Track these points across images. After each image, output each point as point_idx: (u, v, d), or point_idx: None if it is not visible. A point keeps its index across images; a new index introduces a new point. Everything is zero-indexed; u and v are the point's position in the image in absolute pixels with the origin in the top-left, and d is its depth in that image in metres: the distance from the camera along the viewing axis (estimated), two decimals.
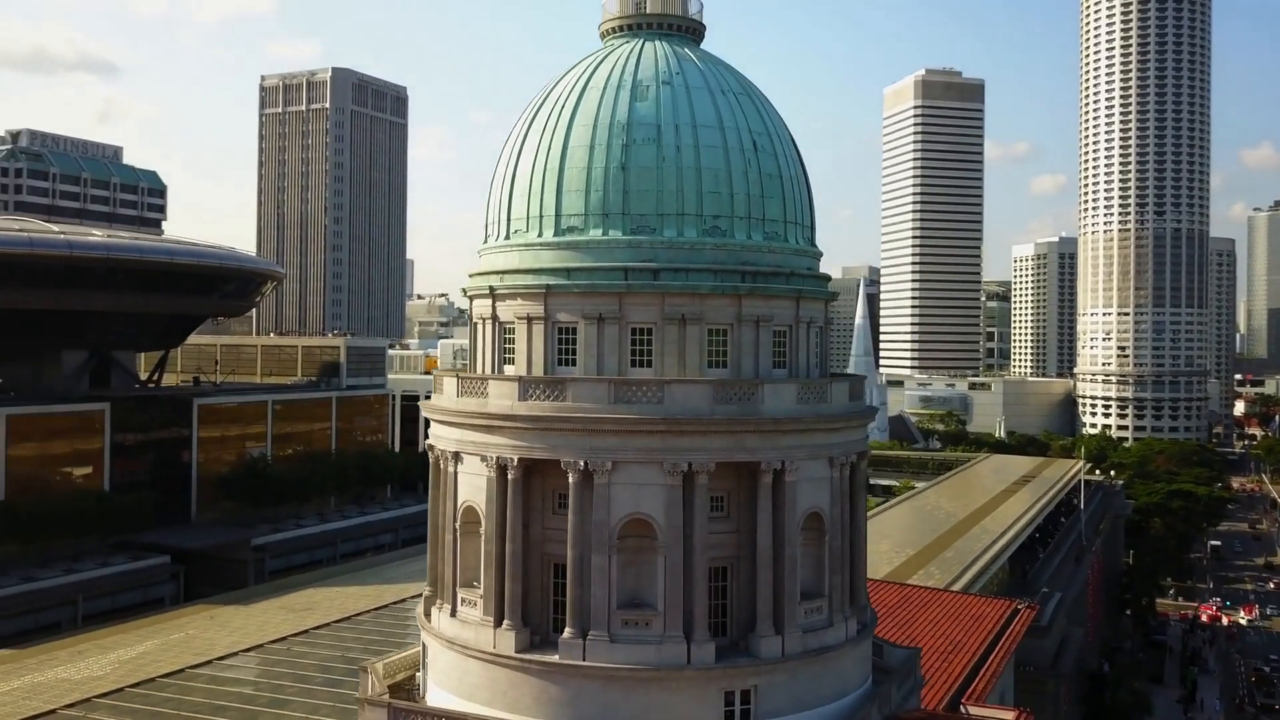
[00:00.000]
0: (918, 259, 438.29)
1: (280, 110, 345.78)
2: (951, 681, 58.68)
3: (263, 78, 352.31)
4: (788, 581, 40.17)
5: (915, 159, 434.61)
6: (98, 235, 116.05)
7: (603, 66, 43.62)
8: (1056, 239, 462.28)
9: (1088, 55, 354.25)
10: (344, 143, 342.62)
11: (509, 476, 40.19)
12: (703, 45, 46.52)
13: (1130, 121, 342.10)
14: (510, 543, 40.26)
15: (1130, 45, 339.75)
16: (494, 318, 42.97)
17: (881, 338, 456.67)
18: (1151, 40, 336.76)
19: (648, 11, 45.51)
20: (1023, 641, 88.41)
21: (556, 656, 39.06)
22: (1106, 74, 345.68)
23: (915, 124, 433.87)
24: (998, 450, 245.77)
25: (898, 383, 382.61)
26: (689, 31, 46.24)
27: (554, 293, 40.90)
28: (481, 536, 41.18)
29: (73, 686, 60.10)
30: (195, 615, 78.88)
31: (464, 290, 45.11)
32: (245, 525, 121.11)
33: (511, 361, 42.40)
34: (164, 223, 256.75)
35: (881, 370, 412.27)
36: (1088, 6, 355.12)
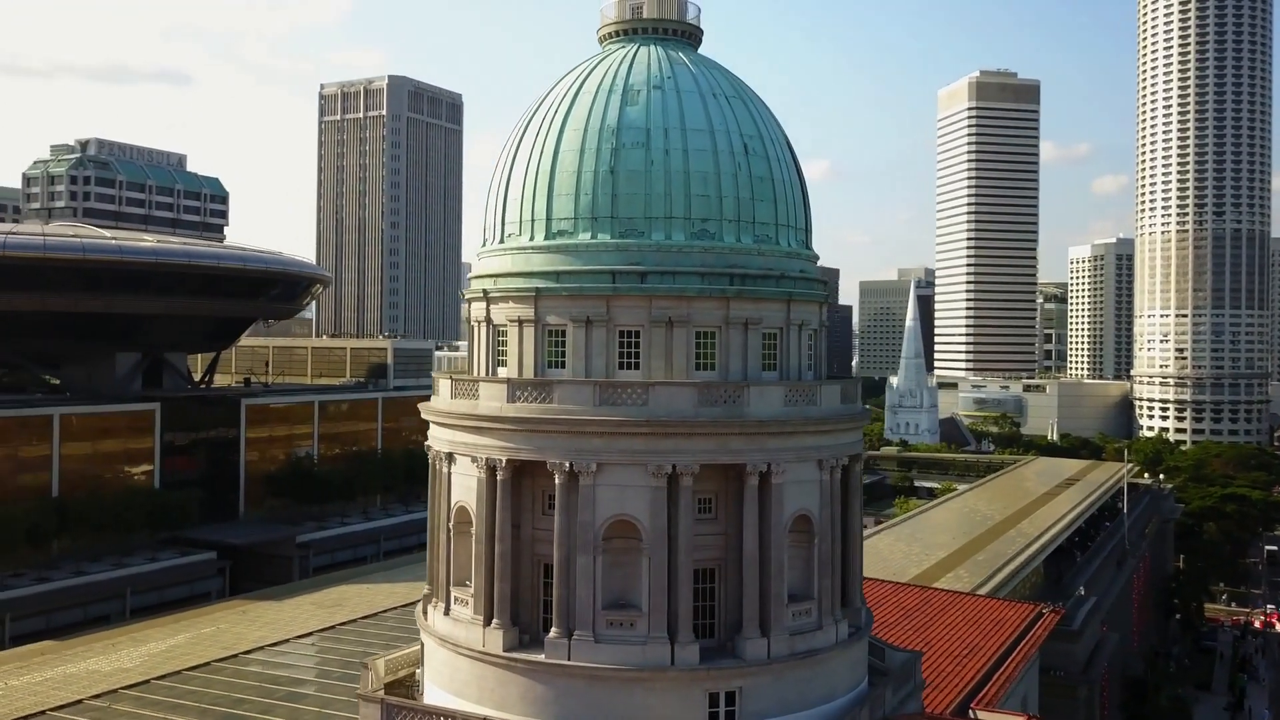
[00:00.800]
0: (972, 261, 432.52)
1: (339, 118, 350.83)
2: (963, 685, 57.69)
3: (322, 86, 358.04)
4: (774, 583, 39.84)
5: (969, 161, 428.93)
6: (148, 241, 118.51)
7: (595, 72, 43.63)
8: (1114, 240, 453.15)
9: (1145, 53, 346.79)
10: (400, 149, 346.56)
11: (498, 477, 40.35)
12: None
13: (1189, 120, 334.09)
14: (499, 543, 40.41)
15: (1189, 43, 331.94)
16: (488, 320, 43.17)
17: (936, 340, 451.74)
18: (1210, 38, 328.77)
19: (644, 16, 45.39)
20: (1052, 646, 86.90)
21: (542, 656, 39.11)
22: (1164, 72, 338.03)
23: (969, 126, 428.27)
24: (1049, 453, 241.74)
25: (951, 385, 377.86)
26: (685, 36, 46.09)
27: (543, 295, 40.98)
28: (473, 537, 41.38)
29: (101, 678, 61.29)
30: (229, 610, 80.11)
31: (462, 294, 45.34)
32: (292, 523, 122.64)
33: (505, 364, 42.54)
34: (226, 228, 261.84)
35: (936, 372, 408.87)
36: (1144, 4, 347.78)
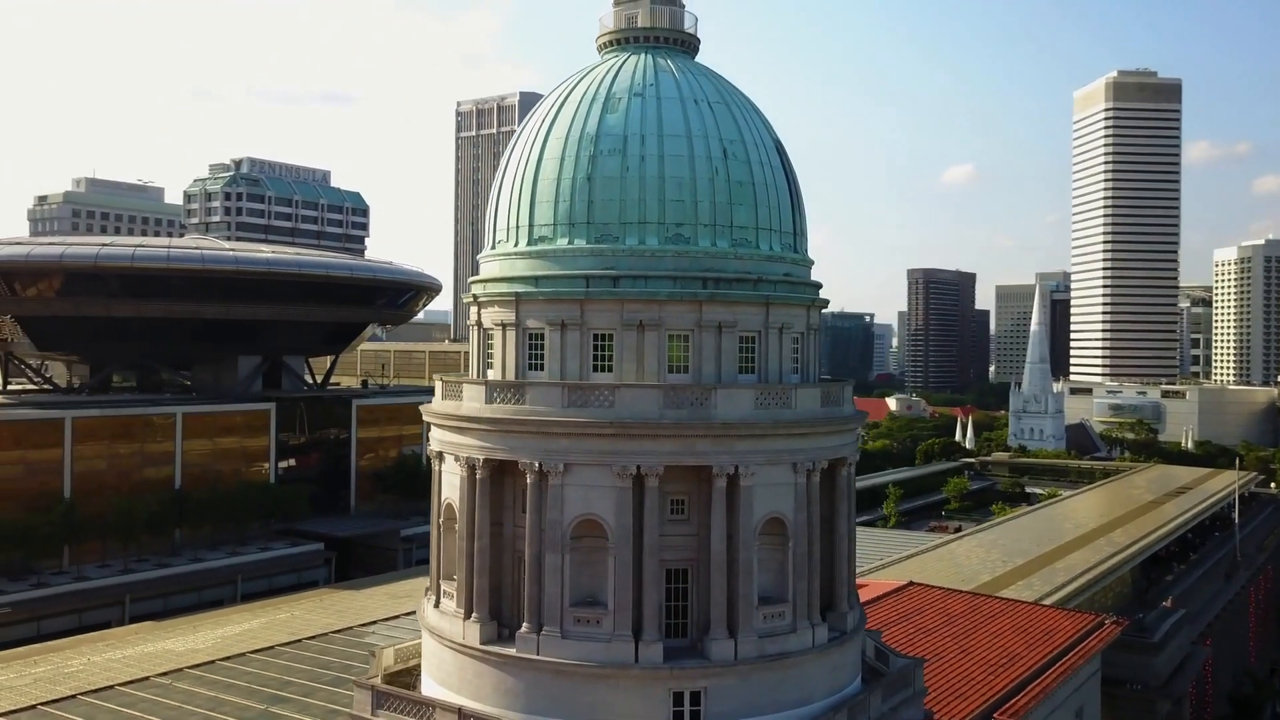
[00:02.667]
0: (1109, 264, 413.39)
1: (474, 134, 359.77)
2: (992, 694, 55.19)
3: (458, 103, 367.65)
4: (742, 585, 38.99)
5: (1106, 163, 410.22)
6: (265, 251, 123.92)
7: (583, 81, 43.59)
8: (1263, 241, 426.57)
9: None
10: None
11: (477, 476, 40.69)
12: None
13: None
14: (478, 539, 40.74)
15: None
16: (478, 324, 43.62)
17: (1072, 345, 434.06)
18: None
19: (637, 26, 45.11)
20: (1128, 659, 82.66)
21: (514, 650, 39.23)
22: None
23: (1106, 127, 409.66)
24: (1182, 461, 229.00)
25: (1085, 390, 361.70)
26: (681, 44, 45.58)
27: (523, 300, 41.17)
28: (457, 533, 41.85)
29: (174, 658, 64.32)
30: (311, 598, 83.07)
31: (462, 297, 45.92)
32: (399, 517, 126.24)
33: (492, 366, 42.90)
34: (367, 239, 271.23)
35: (1071, 377, 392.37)
36: None
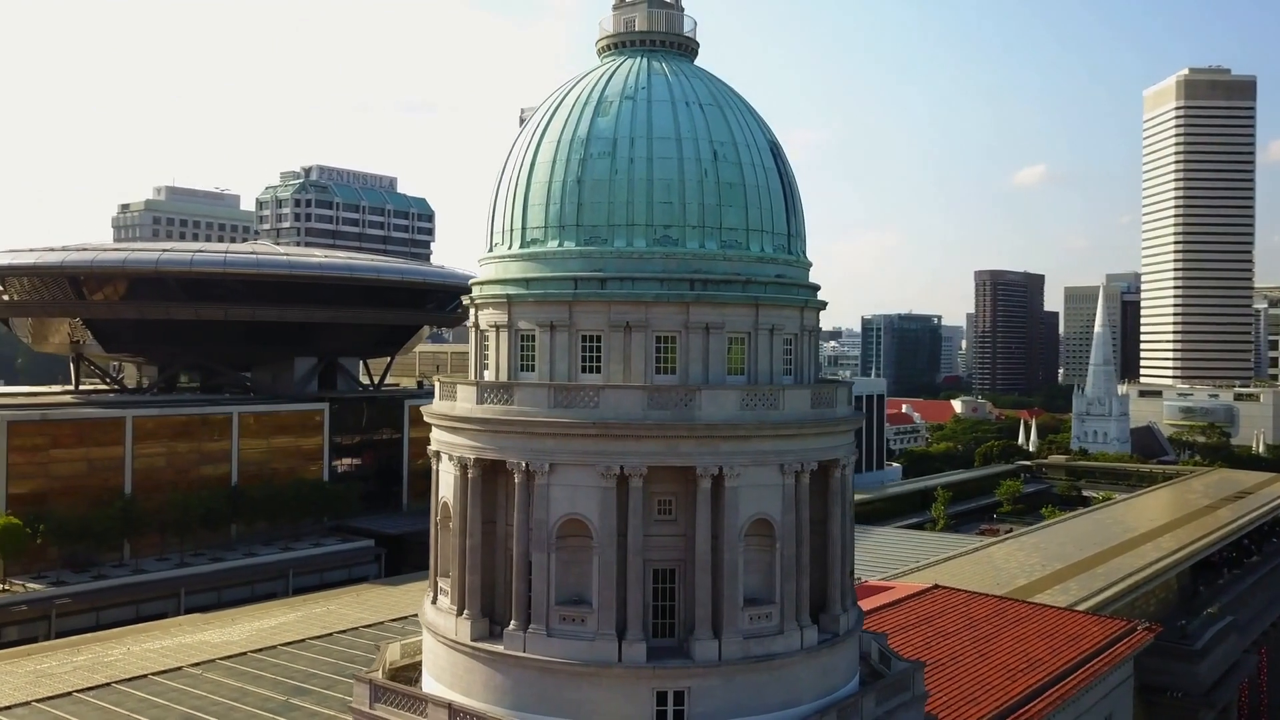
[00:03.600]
0: (1181, 265, 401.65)
1: None
2: (1006, 699, 53.84)
3: (521, 110, 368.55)
4: (727, 586, 38.61)
5: (1177, 162, 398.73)
6: (318, 256, 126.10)
7: (579, 85, 43.59)
8: None
9: None
10: None
11: (469, 475, 40.88)
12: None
13: None
14: (470, 537, 40.94)
15: None
16: (476, 325, 43.84)
17: (1142, 346, 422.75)
18: None
19: (635, 30, 44.96)
20: (1169, 665, 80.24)
21: (502, 647, 39.33)
22: None
23: (1177, 126, 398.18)
24: (1253, 466, 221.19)
25: (1154, 393, 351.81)
26: (679, 48, 45.32)
27: (515, 302, 41.28)
28: (451, 531, 42.09)
29: (209, 648, 65.77)
30: (348, 593, 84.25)
31: (462, 299, 46.20)
32: None
33: (488, 367, 43.07)
34: (432, 244, 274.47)
35: (1141, 380, 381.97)
36: None
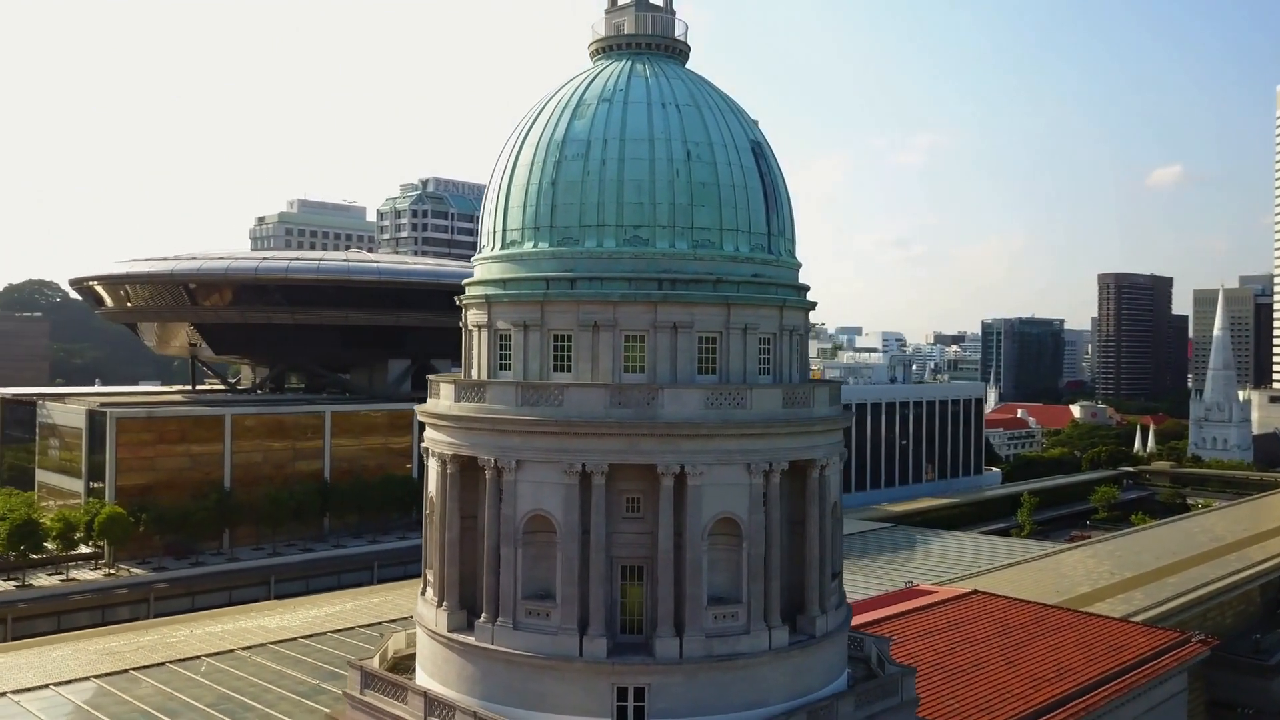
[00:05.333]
0: None
1: None
2: (1025, 709, 51.24)
3: None
4: (690, 584, 37.85)
5: None
6: (407, 263, 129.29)
7: (563, 89, 43.45)
8: None
9: None
10: None
11: (448, 471, 41.16)
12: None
13: None
14: (448, 530, 41.24)
15: None
16: (464, 326, 44.12)
17: (1275, 350, 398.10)
18: None
19: (624, 33, 44.58)
20: (1240, 681, 75.59)
21: (473, 638, 39.44)
22: None
23: None
24: None
25: None
26: (669, 50, 44.75)
27: (493, 302, 41.41)
28: (434, 524, 42.46)
29: (265, 633, 67.89)
30: (410, 585, 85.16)
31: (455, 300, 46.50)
32: None
33: (474, 366, 43.29)
34: None
35: (1275, 385, 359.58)
36: None
